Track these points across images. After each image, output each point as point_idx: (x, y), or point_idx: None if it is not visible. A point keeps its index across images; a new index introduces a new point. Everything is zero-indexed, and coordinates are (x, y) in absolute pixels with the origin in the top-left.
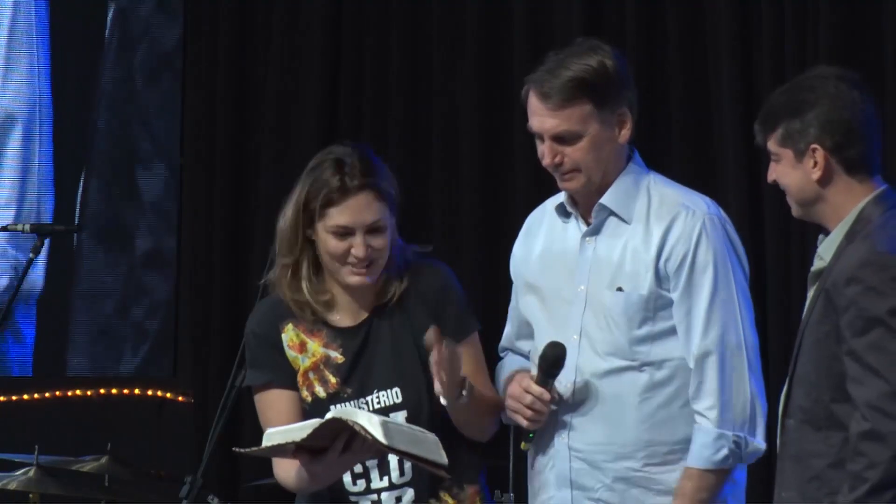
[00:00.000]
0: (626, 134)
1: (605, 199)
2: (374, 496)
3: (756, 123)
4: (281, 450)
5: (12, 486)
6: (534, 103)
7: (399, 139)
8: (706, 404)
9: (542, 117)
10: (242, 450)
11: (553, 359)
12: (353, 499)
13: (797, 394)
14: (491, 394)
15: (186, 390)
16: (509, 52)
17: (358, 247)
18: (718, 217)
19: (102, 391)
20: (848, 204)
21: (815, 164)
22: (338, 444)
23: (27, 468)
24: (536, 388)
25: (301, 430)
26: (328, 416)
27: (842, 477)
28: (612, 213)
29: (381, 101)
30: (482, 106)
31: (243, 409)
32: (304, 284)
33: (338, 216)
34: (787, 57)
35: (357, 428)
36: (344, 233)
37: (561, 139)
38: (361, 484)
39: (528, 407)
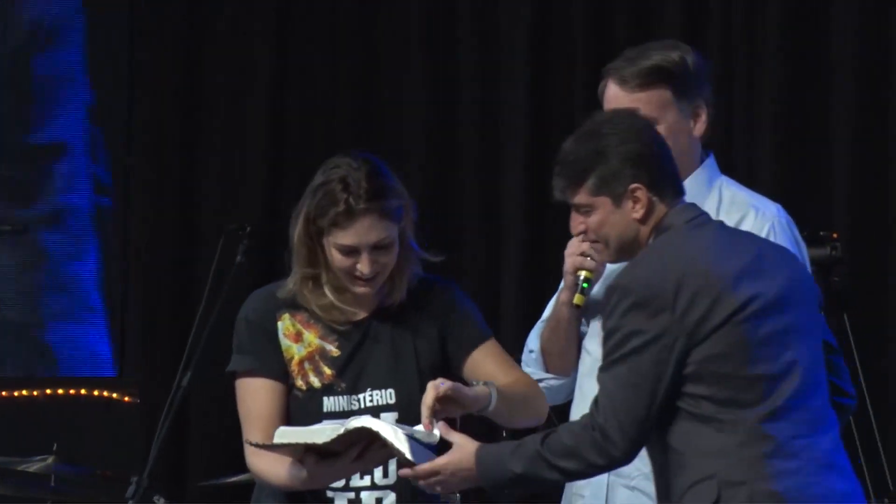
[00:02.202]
0: (701, 127)
1: None
2: (353, 494)
3: (555, 181)
4: (291, 448)
5: None
6: (611, 91)
7: (351, 142)
8: None
9: (619, 103)
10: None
11: None
12: (329, 494)
13: None
14: (522, 387)
15: (132, 391)
16: (455, 53)
17: (363, 264)
18: (787, 220)
19: (48, 391)
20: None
21: (636, 202)
22: (353, 451)
23: None
24: None
25: (320, 433)
26: (354, 424)
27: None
28: None
29: (328, 100)
30: (430, 108)
31: (190, 409)
32: (328, 290)
33: (343, 237)
34: (738, 57)
35: (388, 444)
36: (349, 251)
37: None
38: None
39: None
